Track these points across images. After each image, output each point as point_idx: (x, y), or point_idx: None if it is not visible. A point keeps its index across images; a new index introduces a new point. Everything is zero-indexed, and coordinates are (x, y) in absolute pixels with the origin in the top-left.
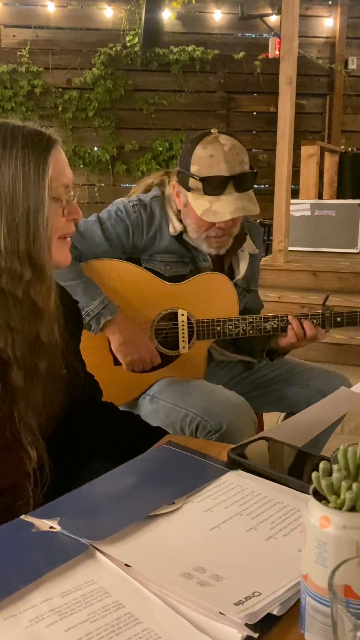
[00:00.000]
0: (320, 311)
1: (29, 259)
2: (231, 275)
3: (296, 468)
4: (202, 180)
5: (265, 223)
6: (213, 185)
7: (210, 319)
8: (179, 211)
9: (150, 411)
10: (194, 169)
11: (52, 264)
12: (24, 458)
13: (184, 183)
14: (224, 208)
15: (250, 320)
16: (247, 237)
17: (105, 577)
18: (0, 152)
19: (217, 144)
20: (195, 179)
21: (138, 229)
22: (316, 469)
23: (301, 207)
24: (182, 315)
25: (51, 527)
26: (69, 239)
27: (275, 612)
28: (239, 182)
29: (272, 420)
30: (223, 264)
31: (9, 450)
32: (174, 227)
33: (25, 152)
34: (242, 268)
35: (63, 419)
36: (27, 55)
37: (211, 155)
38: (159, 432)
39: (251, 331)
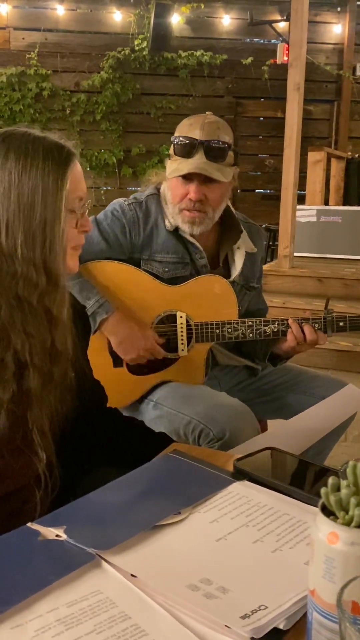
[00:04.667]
0: (321, 315)
1: (44, 268)
2: (227, 272)
3: (302, 479)
4: (176, 139)
5: (271, 228)
6: (183, 146)
7: (209, 322)
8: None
9: (153, 417)
10: (175, 134)
11: (66, 273)
12: (34, 461)
13: (169, 155)
14: (186, 166)
15: (250, 323)
16: (244, 234)
17: (112, 588)
18: (22, 162)
19: (201, 117)
20: (172, 140)
21: (135, 227)
22: (320, 479)
23: (307, 213)
24: (181, 317)
25: (57, 536)
26: (77, 250)
27: (281, 627)
28: (209, 149)
29: (275, 427)
30: (218, 259)
31: (20, 453)
32: (170, 222)
33: (46, 164)
34: (238, 264)
35: (71, 423)
36: (35, 58)
37: (191, 124)
38: (163, 438)
39: (251, 334)
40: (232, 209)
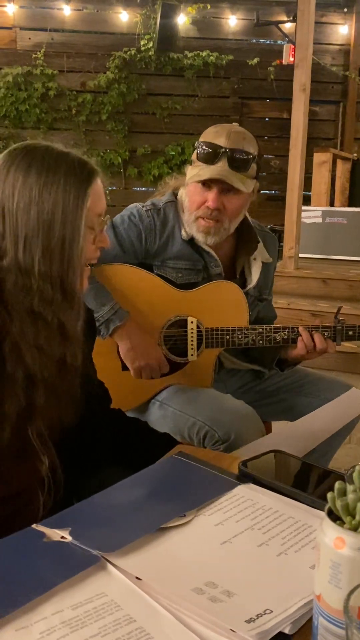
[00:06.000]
0: (331, 324)
1: (60, 284)
2: (243, 283)
3: (307, 482)
4: (199, 145)
5: (276, 229)
6: (207, 152)
7: (220, 328)
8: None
9: (159, 417)
10: (199, 140)
11: (83, 290)
12: (37, 464)
13: (190, 161)
14: (207, 172)
15: (260, 330)
16: (260, 244)
17: (116, 590)
18: (44, 178)
19: (228, 126)
20: (196, 146)
21: (151, 234)
22: (325, 482)
23: (312, 214)
24: (192, 322)
25: (62, 537)
26: (89, 267)
27: (286, 631)
28: (232, 158)
29: (280, 429)
30: (235, 271)
31: (22, 457)
32: (186, 231)
33: (67, 181)
34: (255, 276)
35: (75, 424)
36: (42, 58)
37: (217, 131)
38: (167, 439)
39: (261, 341)
40: (249, 218)
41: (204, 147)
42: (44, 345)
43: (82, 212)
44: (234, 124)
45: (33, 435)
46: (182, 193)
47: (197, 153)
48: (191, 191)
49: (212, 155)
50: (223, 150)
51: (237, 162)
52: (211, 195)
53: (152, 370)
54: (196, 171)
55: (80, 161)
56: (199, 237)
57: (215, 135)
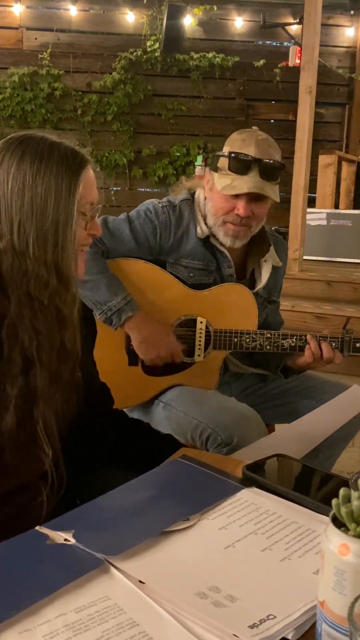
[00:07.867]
0: (339, 334)
1: (55, 268)
2: (252, 284)
3: (311, 487)
4: (230, 155)
5: (281, 231)
6: (239, 163)
7: (229, 330)
8: (206, 215)
9: (162, 418)
10: (225, 149)
11: (77, 275)
12: (42, 457)
13: (213, 165)
14: (244, 184)
15: (269, 335)
16: (272, 248)
17: (120, 594)
18: (37, 164)
19: (253, 133)
20: (224, 156)
21: (166, 230)
22: (329, 487)
23: (317, 216)
24: (201, 323)
25: (65, 540)
26: (84, 250)
27: (289, 637)
28: (264, 168)
29: (281, 429)
30: (245, 272)
31: (26, 449)
32: (202, 229)
33: (60, 168)
34: (264, 277)
35: (77, 424)
36: (48, 58)
37: (244, 139)
38: (169, 441)
39: (268, 347)
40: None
41: (234, 156)
42: (41, 328)
43: (74, 198)
44: (254, 127)
45: (39, 424)
46: (199, 193)
47: (228, 162)
48: (218, 198)
49: (243, 165)
50: (254, 160)
51: (269, 171)
52: (241, 204)
53: (165, 360)
54: (228, 182)
55: (73, 150)
56: (226, 241)
57: (243, 144)
